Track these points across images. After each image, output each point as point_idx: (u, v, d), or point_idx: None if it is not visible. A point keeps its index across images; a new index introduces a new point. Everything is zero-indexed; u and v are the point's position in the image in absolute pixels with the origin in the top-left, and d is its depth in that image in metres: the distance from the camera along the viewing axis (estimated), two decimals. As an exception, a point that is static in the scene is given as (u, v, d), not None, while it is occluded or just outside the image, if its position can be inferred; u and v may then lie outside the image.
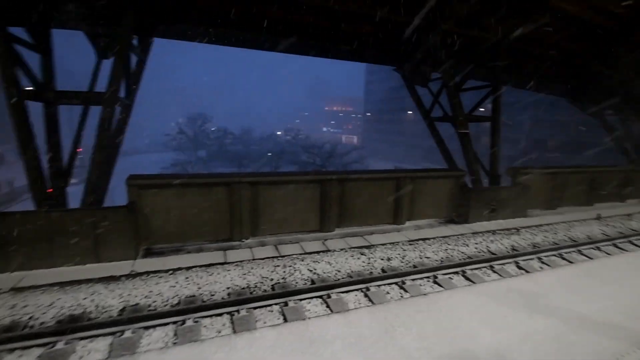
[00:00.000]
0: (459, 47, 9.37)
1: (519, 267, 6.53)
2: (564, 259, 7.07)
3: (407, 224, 9.20)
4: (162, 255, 6.60)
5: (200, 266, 6.23)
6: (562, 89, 14.40)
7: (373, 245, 7.49)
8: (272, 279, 5.86)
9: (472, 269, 6.28)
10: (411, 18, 8.37)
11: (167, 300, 5.12)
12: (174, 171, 41.74)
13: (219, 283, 5.71)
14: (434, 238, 8.09)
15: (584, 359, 2.90)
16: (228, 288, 5.54)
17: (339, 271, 6.23)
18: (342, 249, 7.25)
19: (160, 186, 6.84)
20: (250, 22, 8.21)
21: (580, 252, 7.44)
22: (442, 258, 6.93)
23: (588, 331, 3.20)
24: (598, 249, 7.68)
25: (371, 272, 6.20)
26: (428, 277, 5.95)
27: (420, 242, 7.87)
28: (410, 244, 7.70)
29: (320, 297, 5.28)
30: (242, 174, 7.83)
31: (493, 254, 7.25)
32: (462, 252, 7.28)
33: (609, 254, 7.44)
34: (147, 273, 5.86)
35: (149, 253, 6.73)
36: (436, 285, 5.72)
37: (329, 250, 7.14)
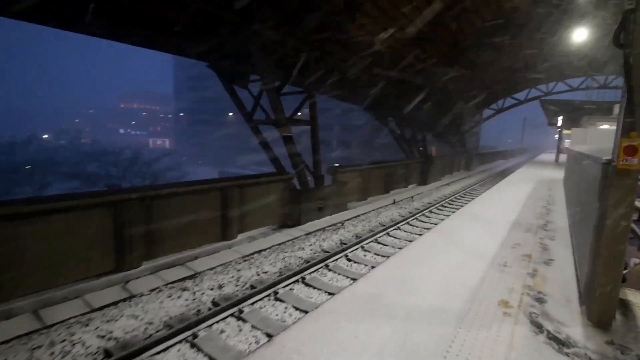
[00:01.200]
0: (274, 51, 9.16)
1: (348, 260, 6.76)
2: (379, 243, 7.90)
3: (239, 236, 8.09)
4: None
5: None
6: (360, 100, 17.06)
7: (199, 273, 5.94)
8: (24, 376, 3.45)
9: (310, 273, 5.87)
10: (225, 12, 7.39)
11: None
12: None
13: None
14: (269, 248, 7.33)
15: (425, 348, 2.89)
16: None
17: (150, 324, 4.39)
18: (154, 290, 5.33)
19: None
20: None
21: (388, 234, 8.55)
22: (280, 269, 6.21)
23: (423, 323, 3.24)
24: (399, 229, 9.13)
25: (199, 311, 4.70)
26: (268, 296, 5.03)
27: (256, 255, 6.92)
28: (245, 260, 6.63)
29: (120, 374, 3.40)
30: None
31: (326, 251, 7.23)
32: (300, 257, 6.85)
33: (409, 232, 8.90)
34: None
35: None
36: (278, 303, 4.88)
37: (133, 297, 5.07)
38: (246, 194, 8.29)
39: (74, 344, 3.94)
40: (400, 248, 7.32)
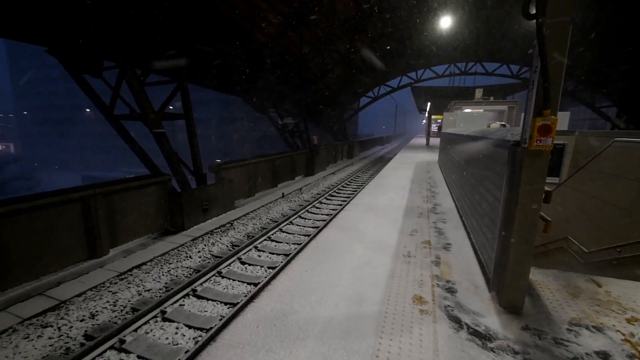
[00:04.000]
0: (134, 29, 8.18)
1: (242, 262, 6.88)
2: (272, 240, 8.24)
3: (112, 252, 7.40)
4: None
5: None
6: (239, 90, 16.75)
7: (64, 302, 5.29)
8: None
9: (202, 284, 5.87)
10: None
11: None
12: None
13: None
14: (150, 260, 6.93)
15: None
16: None
17: (1, 378, 3.81)
18: (5, 331, 4.56)
19: None
20: None
21: (281, 230, 8.98)
22: (166, 284, 6.01)
23: (341, 339, 2.99)
24: (291, 223, 9.65)
25: (67, 350, 4.28)
26: (155, 317, 4.90)
27: (135, 271, 6.48)
28: (122, 279, 6.15)
29: None
30: None
31: (217, 257, 7.23)
32: (188, 267, 6.70)
33: (302, 226, 9.58)
34: None
35: None
36: (167, 324, 4.81)
37: (-26, 346, 4.25)
38: (115, 202, 7.56)
39: None
40: (297, 244, 7.83)
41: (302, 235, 8.74)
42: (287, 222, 9.60)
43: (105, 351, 4.16)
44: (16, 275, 5.76)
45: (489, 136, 4.93)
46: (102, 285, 5.90)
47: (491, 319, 3.21)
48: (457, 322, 3.21)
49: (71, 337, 4.51)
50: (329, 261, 4.73)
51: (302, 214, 10.62)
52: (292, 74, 16.79)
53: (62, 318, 4.90)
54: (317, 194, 14.08)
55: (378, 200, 8.54)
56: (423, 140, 38.19)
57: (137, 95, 8.50)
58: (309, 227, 9.47)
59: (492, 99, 20.87)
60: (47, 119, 64.54)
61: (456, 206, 7.69)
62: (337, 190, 14.50)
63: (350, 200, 9.23)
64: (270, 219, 10.19)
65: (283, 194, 13.42)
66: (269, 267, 6.70)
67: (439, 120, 33.92)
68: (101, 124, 53.65)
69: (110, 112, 8.83)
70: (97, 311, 5.10)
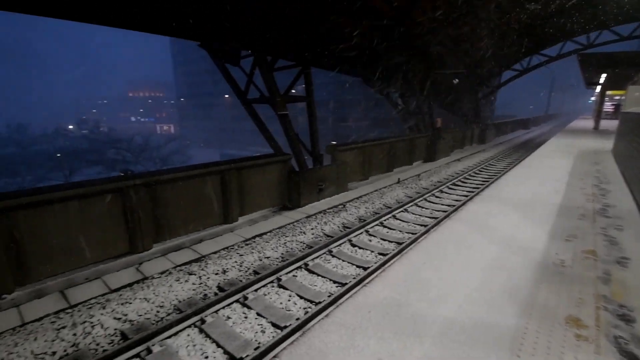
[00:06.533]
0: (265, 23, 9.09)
1: (352, 245, 7.16)
2: (384, 226, 8.25)
3: (240, 219, 8.65)
4: None
5: None
6: (358, 70, 16.84)
7: (204, 257, 6.54)
8: (53, 353, 4.10)
9: (313, 259, 6.37)
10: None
11: None
12: None
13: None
14: (270, 231, 7.86)
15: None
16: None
17: (161, 307, 5.01)
18: (164, 272, 5.96)
19: None
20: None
21: (394, 216, 8.90)
22: (282, 254, 6.76)
23: (465, 345, 2.69)
24: (406, 210, 9.44)
25: (205, 296, 5.31)
26: (272, 282, 5.60)
27: (257, 239, 7.47)
28: (247, 244, 7.19)
29: (137, 355, 4.02)
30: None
31: (329, 236, 7.69)
32: (301, 242, 7.36)
33: (418, 215, 9.28)
34: None
35: None
36: (282, 290, 5.43)
37: (146, 279, 5.72)
38: (245, 176, 8.73)
39: (93, 326, 4.57)
40: (411, 233, 7.67)
41: (418, 225, 8.42)
42: (401, 209, 9.40)
43: (232, 303, 5.02)
44: (173, 231, 7.39)
45: None
46: (231, 247, 7.03)
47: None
48: (632, 360, 2.55)
49: (208, 286, 5.57)
50: (451, 257, 4.41)
51: (419, 202, 10.19)
52: (418, 45, 15.64)
53: (202, 269, 6.08)
54: (438, 181, 13.24)
55: (518, 194, 7.47)
56: (587, 123, 30.97)
57: (266, 79, 9.54)
58: (426, 216, 9.05)
59: None
60: (195, 105, 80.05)
61: (640, 210, 6.13)
62: (462, 180, 13.32)
63: (480, 191, 8.34)
64: (384, 204, 10.16)
65: (399, 179, 13.12)
66: (379, 253, 6.73)
67: (617, 97, 26.56)
68: (235, 109, 63.24)
69: (245, 96, 10.20)
70: (227, 268, 6.14)
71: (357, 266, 6.23)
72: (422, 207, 9.82)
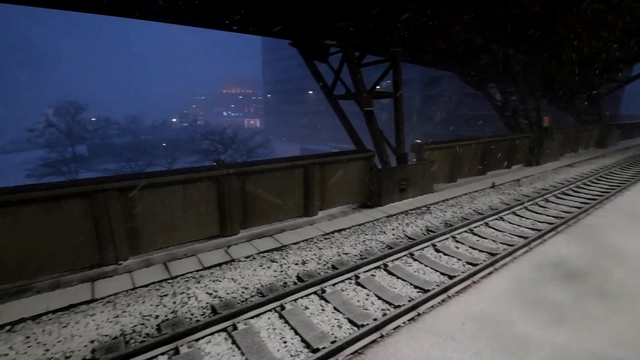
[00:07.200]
0: (358, 19, 9.06)
1: (437, 250, 6.74)
2: (474, 234, 7.60)
3: (320, 213, 8.83)
4: (-4, 303, 4.84)
5: (54, 311, 4.74)
6: (454, 65, 15.77)
7: (285, 247, 6.84)
8: (157, 316, 4.70)
9: (393, 261, 6.17)
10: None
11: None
12: (46, 173, 37.35)
13: (78, 337, 4.30)
14: (349, 228, 7.86)
15: None
16: (92, 342, 4.22)
17: (246, 289, 5.39)
18: (249, 257, 6.41)
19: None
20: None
21: (487, 224, 8.12)
22: (361, 252, 6.69)
23: None
24: (501, 219, 8.52)
25: (285, 284, 5.54)
26: (350, 279, 5.59)
27: (336, 234, 7.54)
28: (326, 239, 7.29)
29: (224, 329, 4.38)
30: (106, 178, 6.24)
31: (411, 238, 7.37)
32: (381, 242, 7.20)
33: (516, 225, 8.33)
34: (-36, 337, 4.12)
35: (-28, 303, 4.87)
36: (359, 288, 5.38)
37: (233, 261, 6.22)
38: (327, 171, 8.86)
39: (189, 297, 5.13)
40: (507, 245, 6.91)
41: (516, 235, 7.52)
42: (495, 216, 8.55)
43: (310, 294, 5.15)
44: (258, 219, 7.89)
45: None
46: (311, 239, 7.23)
47: None
48: None
49: (288, 275, 5.80)
50: (572, 281, 3.83)
51: (518, 210, 9.12)
52: (531, 34, 13.86)
53: (283, 258, 6.38)
54: (543, 189, 11.65)
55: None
56: None
57: (354, 75, 9.54)
58: (526, 227, 8.03)
59: None
60: (280, 101, 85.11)
61: None
62: (574, 188, 11.52)
63: (599, 203, 7.05)
64: (474, 210, 9.36)
65: (493, 183, 11.93)
66: (467, 262, 6.18)
67: None
68: (317, 105, 65.31)
69: (331, 92, 10.37)
70: (306, 260, 6.32)
71: (442, 273, 5.82)
72: (522, 217, 8.76)
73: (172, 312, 4.78)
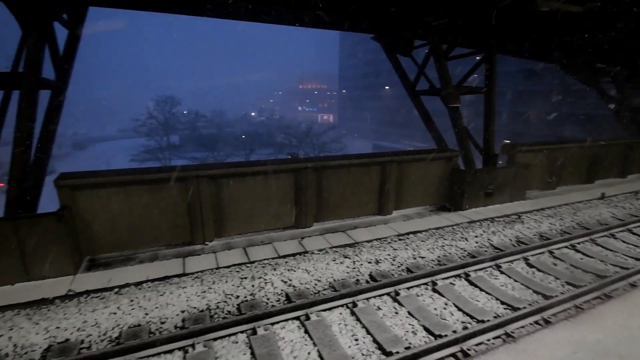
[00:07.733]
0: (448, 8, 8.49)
1: (529, 265, 6.07)
2: (577, 251, 6.68)
3: (395, 213, 8.60)
4: (108, 267, 5.83)
5: (153, 280, 5.43)
6: (555, 56, 13.88)
7: (357, 243, 6.81)
8: (237, 296, 5.07)
9: (476, 270, 5.72)
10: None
11: (105, 334, 4.28)
12: (146, 158, 42.81)
13: (171, 305, 4.87)
14: (426, 230, 7.51)
15: None
16: (183, 312, 4.73)
17: (319, 281, 5.51)
18: (321, 250, 6.53)
19: (99, 185, 5.94)
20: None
21: (594, 241, 7.08)
22: (439, 257, 6.35)
23: None
24: (613, 236, 7.35)
25: (357, 281, 5.52)
26: (426, 284, 5.34)
27: (411, 236, 7.26)
28: (400, 240, 7.08)
29: (297, 318, 4.54)
30: (199, 166, 6.95)
31: (497, 249, 6.76)
32: (462, 248, 6.74)
33: (634, 245, 7.13)
34: (87, 293, 5.07)
35: (93, 265, 5.93)
36: (437, 295, 5.10)
37: (306, 252, 6.41)
38: (404, 170, 8.56)
39: (265, 282, 5.43)
40: (622, 268, 5.96)
41: (631, 257, 6.39)
42: (605, 232, 7.37)
43: (383, 295, 5.05)
44: (331, 213, 7.98)
45: None
46: (384, 239, 7.08)
47: None
48: None
49: (361, 273, 5.78)
50: None
51: (635, 228, 7.73)
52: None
53: (356, 255, 6.36)
54: (670, 205, 9.69)
55: None
56: None
57: (440, 69, 9.00)
58: (647, 249, 6.78)
59: None
60: (355, 97, 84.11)
61: None
62: None
63: None
64: (577, 223, 8.19)
65: (603, 194, 10.29)
66: (567, 282, 5.44)
67: None
68: (393, 101, 63.15)
69: (413, 87, 9.98)
70: (380, 259, 6.22)
71: (535, 291, 5.21)
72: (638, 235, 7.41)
73: (250, 295, 5.11)
